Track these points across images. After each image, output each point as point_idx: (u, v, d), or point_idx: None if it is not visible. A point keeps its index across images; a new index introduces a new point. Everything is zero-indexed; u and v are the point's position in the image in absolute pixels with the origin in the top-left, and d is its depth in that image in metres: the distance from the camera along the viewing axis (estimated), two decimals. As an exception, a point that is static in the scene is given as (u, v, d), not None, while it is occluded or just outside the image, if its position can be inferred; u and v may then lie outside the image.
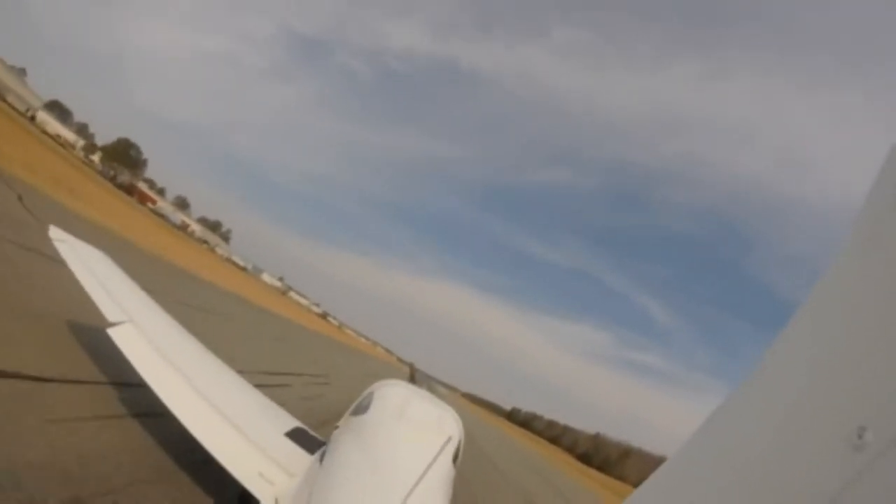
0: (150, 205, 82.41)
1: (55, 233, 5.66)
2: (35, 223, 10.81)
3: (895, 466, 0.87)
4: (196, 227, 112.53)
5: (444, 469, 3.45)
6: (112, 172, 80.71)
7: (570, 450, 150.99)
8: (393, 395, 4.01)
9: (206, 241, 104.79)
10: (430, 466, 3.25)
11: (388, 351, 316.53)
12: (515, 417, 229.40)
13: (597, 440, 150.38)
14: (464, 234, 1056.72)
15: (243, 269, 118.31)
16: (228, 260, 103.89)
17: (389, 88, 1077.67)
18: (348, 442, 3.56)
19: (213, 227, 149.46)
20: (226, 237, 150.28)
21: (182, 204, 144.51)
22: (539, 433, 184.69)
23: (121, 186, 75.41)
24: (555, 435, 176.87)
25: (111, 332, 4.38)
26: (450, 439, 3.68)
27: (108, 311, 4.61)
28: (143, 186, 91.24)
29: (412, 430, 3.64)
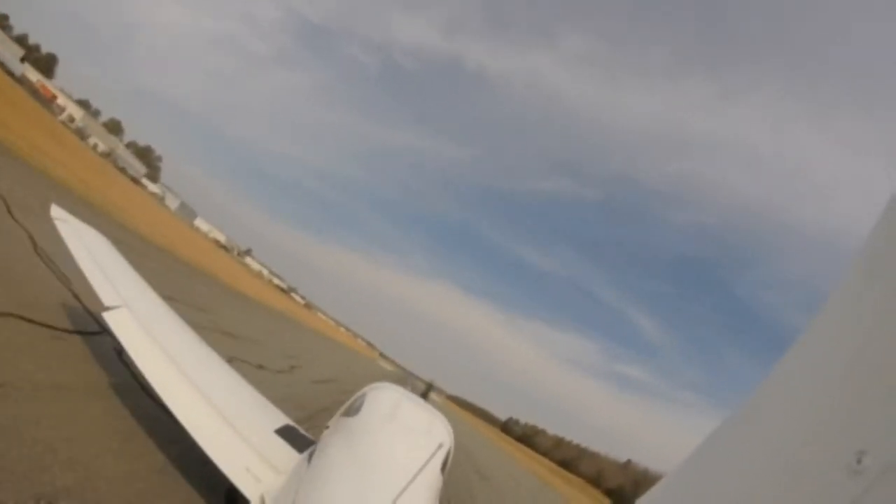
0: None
1: (56, 212, 5.36)
2: None
3: (894, 491, 0.86)
4: (75, 111, 73.55)
5: (432, 475, 3.39)
6: None
7: (595, 482, 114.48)
8: (385, 399, 3.94)
9: (84, 134, 66.56)
10: (419, 472, 3.23)
11: (369, 344, 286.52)
12: (512, 430, 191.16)
13: (629, 470, 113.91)
14: (458, 235, 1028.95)
15: (150, 191, 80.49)
16: (108, 158, 65.72)
17: (394, 83, 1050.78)
18: (337, 442, 3.49)
19: (142, 151, 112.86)
20: (154, 165, 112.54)
21: (115, 128, 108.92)
22: (546, 454, 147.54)
23: None
24: (567, 458, 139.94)
25: (106, 315, 4.29)
26: (440, 446, 3.62)
27: (105, 294, 4.47)
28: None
29: (402, 435, 3.58)
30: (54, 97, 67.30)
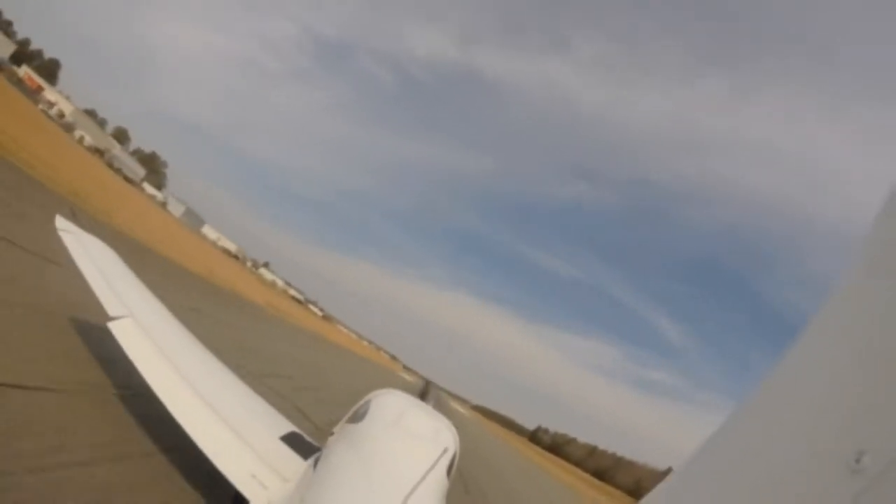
0: None
1: (61, 223, 5.39)
2: None
3: (893, 490, 0.86)
4: (66, 108, 70.61)
5: (438, 480, 3.41)
6: None
7: (635, 493, 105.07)
8: (390, 405, 3.96)
9: (70, 127, 63.20)
10: (424, 477, 3.25)
11: (393, 357, 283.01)
12: (541, 440, 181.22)
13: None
14: (477, 244, 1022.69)
15: (147, 194, 76.93)
16: (98, 154, 62.01)
17: (410, 94, 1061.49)
18: (343, 449, 3.53)
19: (147, 158, 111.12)
20: (159, 171, 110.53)
21: (121, 136, 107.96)
22: (579, 464, 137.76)
23: None
24: (602, 467, 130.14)
25: (111, 325, 4.29)
26: (445, 451, 3.63)
27: (109, 304, 4.48)
28: None
29: (408, 440, 3.60)
30: (40, 88, 64.63)
